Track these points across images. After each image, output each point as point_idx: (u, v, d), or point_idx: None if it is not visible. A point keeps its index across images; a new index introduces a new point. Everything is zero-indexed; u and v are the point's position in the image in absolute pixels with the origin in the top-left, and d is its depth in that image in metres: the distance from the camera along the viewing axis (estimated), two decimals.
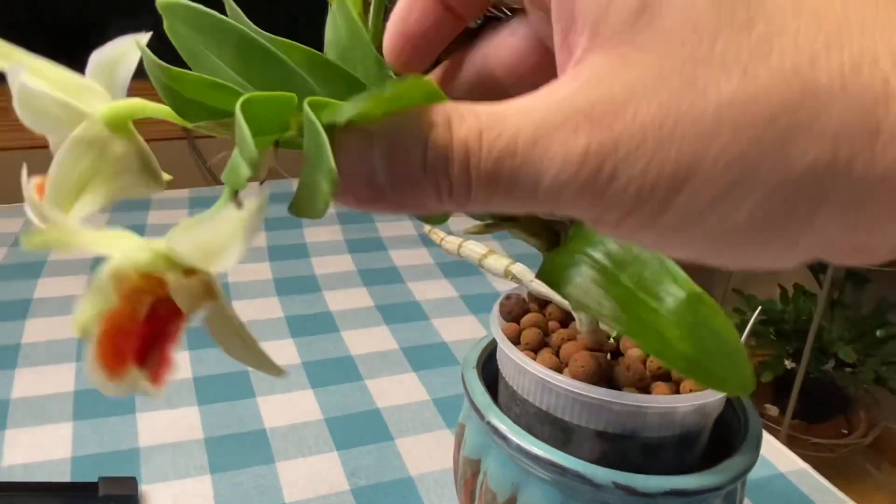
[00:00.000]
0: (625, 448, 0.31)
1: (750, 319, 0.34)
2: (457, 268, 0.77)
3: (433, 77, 0.24)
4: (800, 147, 0.14)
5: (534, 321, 0.35)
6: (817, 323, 1.43)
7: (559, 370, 0.32)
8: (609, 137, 0.15)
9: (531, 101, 0.16)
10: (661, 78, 0.14)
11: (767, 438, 0.52)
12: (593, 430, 0.31)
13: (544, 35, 0.21)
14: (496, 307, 0.36)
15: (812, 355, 1.47)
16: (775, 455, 0.53)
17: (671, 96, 0.14)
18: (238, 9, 0.21)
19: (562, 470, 0.30)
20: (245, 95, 0.16)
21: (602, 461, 0.30)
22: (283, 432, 0.52)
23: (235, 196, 0.18)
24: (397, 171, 0.16)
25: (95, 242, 0.18)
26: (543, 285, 0.36)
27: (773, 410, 1.63)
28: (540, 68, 0.22)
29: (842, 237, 0.15)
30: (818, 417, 1.62)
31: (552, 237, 0.27)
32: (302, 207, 0.17)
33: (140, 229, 0.78)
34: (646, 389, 0.31)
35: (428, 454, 0.50)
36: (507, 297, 0.37)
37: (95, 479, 0.44)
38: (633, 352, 0.33)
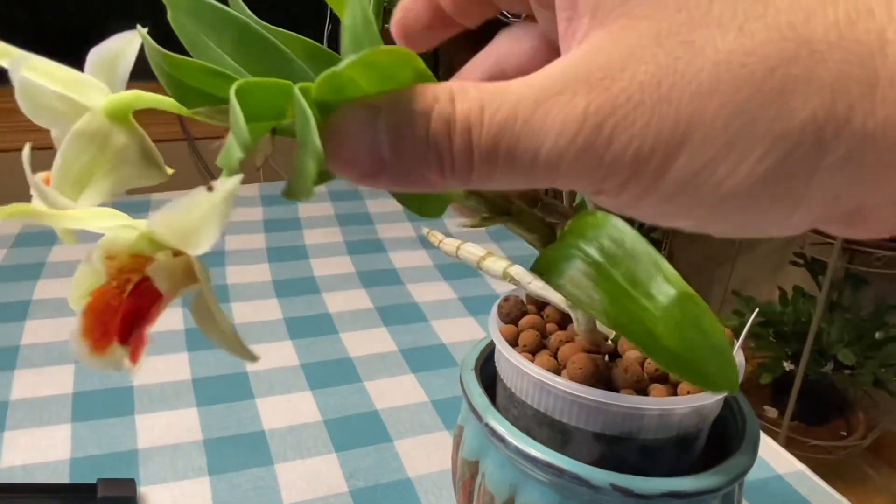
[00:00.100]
0: (622, 450, 0.31)
1: (748, 321, 0.34)
2: (456, 269, 0.77)
3: None
4: (798, 98, 0.14)
5: (532, 323, 0.35)
6: (816, 325, 1.44)
7: (557, 372, 0.32)
8: (607, 99, 0.15)
9: (533, 75, 0.16)
10: (657, 40, 0.15)
11: (765, 440, 0.52)
12: (591, 431, 0.31)
13: (554, 36, 0.21)
14: (494, 309, 0.36)
15: (811, 357, 1.47)
16: (773, 457, 0.53)
17: (668, 56, 0.14)
18: (240, 1, 0.21)
19: (559, 472, 0.30)
20: (240, 81, 0.17)
21: (600, 463, 0.30)
22: (282, 434, 0.52)
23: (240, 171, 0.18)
24: (400, 142, 0.16)
25: (84, 218, 0.19)
26: (542, 287, 0.36)
27: (771, 412, 1.63)
28: None
29: (846, 194, 0.15)
30: (817, 419, 1.62)
31: (548, 232, 0.27)
32: (292, 189, 0.17)
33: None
34: (643, 391, 0.31)
35: (426, 456, 0.50)
36: (506, 299, 0.37)
37: (94, 481, 0.44)
38: (630, 354, 0.33)
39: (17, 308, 0.65)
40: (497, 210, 0.27)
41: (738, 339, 0.34)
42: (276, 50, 0.20)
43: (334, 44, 0.23)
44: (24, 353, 0.59)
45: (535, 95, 0.15)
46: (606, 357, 0.33)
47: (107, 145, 0.21)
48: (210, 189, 0.17)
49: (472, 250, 0.40)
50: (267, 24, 0.21)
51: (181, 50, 0.20)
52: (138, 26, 0.21)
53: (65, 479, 0.46)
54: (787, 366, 1.55)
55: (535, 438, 0.31)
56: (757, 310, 0.44)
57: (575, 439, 0.31)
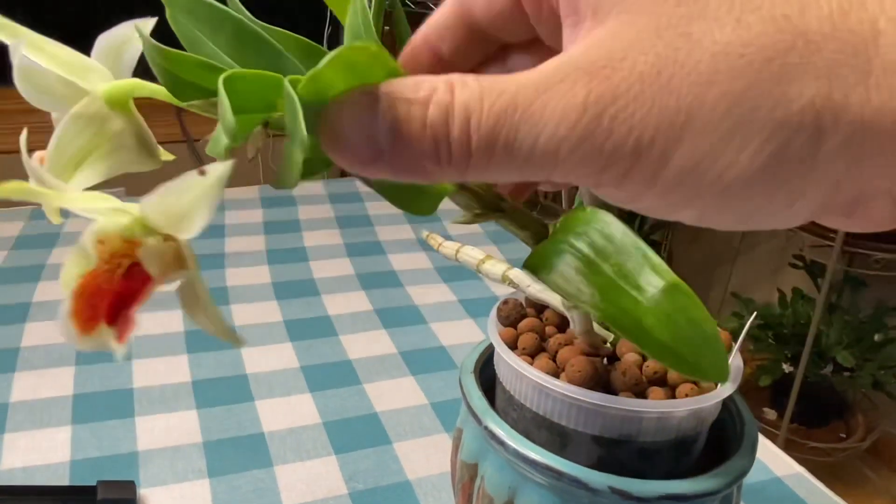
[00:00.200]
0: (621, 452, 0.31)
1: (745, 322, 0.34)
2: (455, 272, 0.77)
3: None
4: (796, 87, 0.14)
5: (531, 326, 0.35)
6: (815, 327, 1.44)
7: (556, 375, 0.32)
8: (608, 88, 0.15)
9: (534, 68, 0.16)
10: (657, 32, 0.15)
11: (764, 442, 0.52)
12: (590, 434, 0.31)
13: (559, 49, 0.22)
14: (493, 312, 0.36)
15: (810, 359, 1.47)
16: (772, 459, 0.53)
17: (667, 48, 0.15)
18: (237, 1, 0.22)
19: (558, 474, 0.30)
20: (228, 71, 0.17)
21: (598, 466, 0.30)
22: (282, 436, 0.52)
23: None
24: (398, 130, 0.17)
25: (77, 200, 0.19)
26: (541, 290, 0.36)
27: (771, 414, 1.63)
28: None
29: (846, 180, 0.15)
30: (816, 422, 1.62)
31: (541, 229, 0.27)
32: (280, 178, 0.18)
33: None
34: (642, 394, 0.32)
35: (426, 458, 0.51)
36: (505, 302, 0.37)
37: (94, 483, 0.44)
38: (629, 356, 0.33)
39: (17, 310, 0.65)
40: (489, 207, 0.27)
41: (736, 341, 0.35)
42: (271, 47, 0.20)
43: (334, 45, 0.23)
44: (25, 355, 0.59)
45: (535, 85, 0.16)
46: (605, 360, 0.33)
47: (104, 129, 0.21)
48: (202, 173, 0.17)
49: (471, 253, 0.40)
50: (263, 23, 0.21)
51: (180, 48, 0.20)
52: (138, 22, 0.21)
53: (65, 481, 0.46)
54: (787, 368, 1.55)
55: (534, 441, 0.31)
56: (756, 312, 0.44)
57: (574, 442, 0.31)
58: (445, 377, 0.60)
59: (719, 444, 0.34)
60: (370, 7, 0.27)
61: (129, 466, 0.48)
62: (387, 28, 0.25)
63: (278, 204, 0.91)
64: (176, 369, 0.58)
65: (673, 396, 0.31)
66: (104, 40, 0.22)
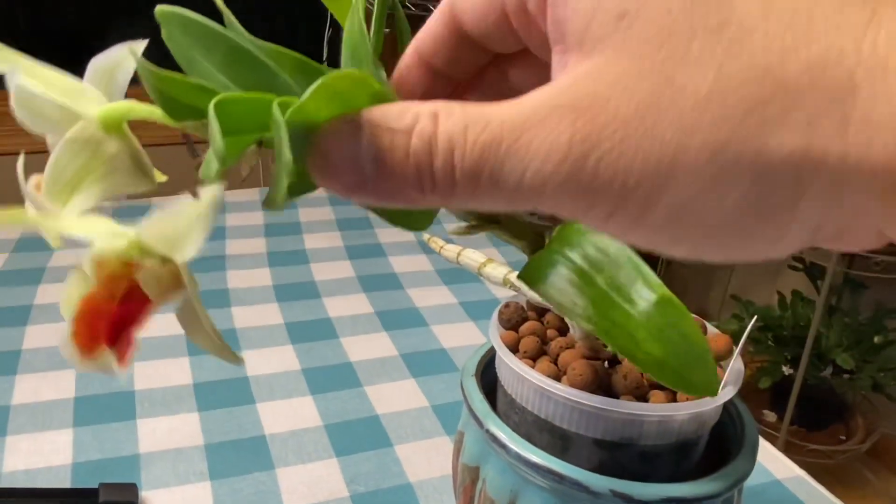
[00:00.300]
0: (622, 456, 0.31)
1: (747, 326, 0.34)
2: (456, 274, 0.77)
3: None
4: (776, 138, 0.14)
5: (532, 329, 0.35)
6: (815, 329, 1.44)
7: (557, 378, 0.32)
8: (593, 130, 0.15)
9: (519, 99, 0.16)
10: (640, 76, 0.15)
11: (764, 445, 0.52)
12: (591, 438, 0.31)
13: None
14: (495, 315, 0.37)
15: (810, 362, 1.47)
16: (772, 462, 0.53)
17: (651, 93, 0.15)
18: (233, 17, 0.22)
19: (560, 478, 0.30)
20: (219, 96, 0.17)
21: (600, 469, 0.30)
22: (283, 438, 0.52)
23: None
24: (381, 160, 0.17)
25: (74, 227, 0.19)
26: None
27: (770, 416, 1.63)
28: None
29: (828, 222, 0.15)
30: (816, 424, 1.62)
31: (537, 239, 0.28)
32: (268, 199, 0.18)
33: None
34: (643, 397, 0.32)
35: (427, 461, 0.51)
36: (506, 306, 0.37)
37: (96, 486, 0.44)
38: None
39: (18, 312, 0.65)
40: (485, 217, 0.27)
41: (737, 345, 0.35)
42: (264, 66, 0.21)
43: (334, 48, 0.23)
44: (26, 358, 0.59)
45: (521, 119, 0.16)
46: (606, 363, 0.34)
47: (98, 153, 0.21)
48: (195, 197, 0.17)
49: (472, 256, 0.40)
50: (257, 40, 0.21)
51: (178, 60, 0.21)
52: (132, 44, 0.21)
53: (67, 483, 0.46)
54: (786, 370, 1.55)
55: (535, 444, 0.32)
56: (755, 315, 0.44)
57: (575, 445, 0.31)
58: (446, 379, 0.60)
59: (720, 447, 0.34)
60: (373, 7, 0.27)
61: (130, 469, 0.48)
62: (387, 30, 0.25)
63: None
64: (177, 372, 0.58)
65: (674, 400, 0.32)
66: (97, 63, 0.23)
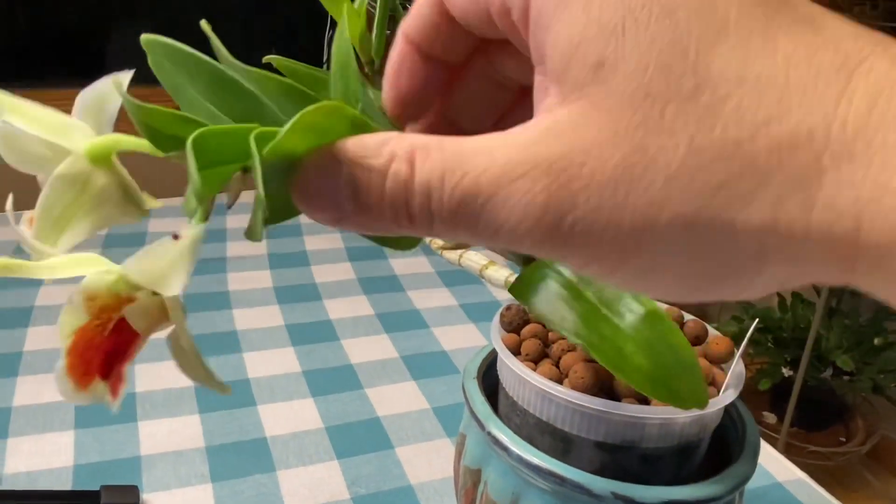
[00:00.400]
0: (624, 458, 0.31)
1: (746, 327, 0.34)
2: (456, 276, 0.77)
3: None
4: (744, 214, 0.15)
5: (534, 332, 0.36)
6: (815, 331, 1.44)
7: (559, 381, 0.32)
8: (567, 195, 0.16)
9: (497, 141, 0.17)
10: (615, 142, 0.16)
11: (765, 447, 0.52)
12: (593, 440, 0.31)
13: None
14: (497, 318, 0.37)
15: (810, 363, 1.47)
16: (773, 464, 0.53)
17: (624, 161, 0.15)
18: (220, 44, 0.22)
19: (561, 480, 0.30)
20: (198, 131, 0.18)
21: (601, 472, 0.30)
22: (284, 441, 0.52)
23: (206, 218, 0.19)
24: (358, 198, 0.17)
25: (62, 269, 0.20)
26: None
27: (770, 418, 1.63)
28: None
29: (793, 279, 0.16)
30: (816, 425, 1.62)
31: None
32: (248, 230, 0.19)
33: (141, 238, 0.79)
34: (645, 400, 0.32)
35: (428, 463, 0.51)
36: (508, 308, 0.37)
37: (97, 488, 0.45)
38: None
39: (19, 314, 0.65)
40: None
41: (738, 347, 0.35)
42: (247, 92, 0.21)
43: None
44: (27, 360, 0.59)
45: (499, 173, 0.16)
46: None
47: (87, 186, 0.22)
48: (176, 238, 0.18)
49: (474, 259, 0.40)
50: (243, 66, 0.22)
51: (165, 86, 0.21)
52: (115, 77, 0.22)
53: (68, 485, 0.47)
54: (786, 372, 1.56)
55: (537, 447, 0.32)
56: (756, 318, 0.44)
57: (577, 448, 0.32)
58: (447, 382, 0.60)
59: (721, 450, 0.35)
60: (374, 10, 0.28)
61: (132, 471, 0.48)
62: (389, 32, 0.25)
63: None
64: (178, 374, 0.58)
65: None
66: (84, 97, 0.23)
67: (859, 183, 0.14)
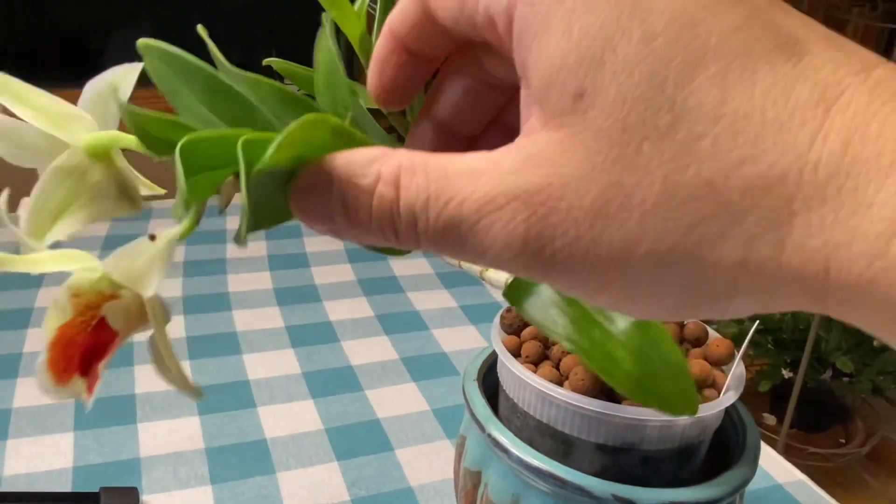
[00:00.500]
0: (624, 461, 0.31)
1: (746, 328, 0.34)
2: (456, 278, 0.77)
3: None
4: (716, 253, 0.15)
5: (534, 334, 0.35)
6: (815, 332, 1.44)
7: (559, 383, 0.32)
8: (546, 227, 0.16)
9: (481, 165, 0.17)
10: (591, 177, 0.16)
11: (765, 449, 0.52)
12: (593, 442, 0.31)
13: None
14: (497, 320, 0.37)
15: (809, 365, 1.47)
16: (773, 466, 0.53)
17: (601, 197, 0.16)
18: (216, 48, 0.23)
19: (562, 482, 0.30)
20: (186, 137, 0.18)
21: (602, 474, 0.30)
22: (284, 442, 0.52)
23: (197, 223, 0.20)
24: (347, 214, 0.18)
25: (48, 263, 0.20)
26: None
27: (770, 419, 1.63)
28: None
29: (767, 308, 0.17)
30: (816, 427, 1.62)
31: None
32: (237, 235, 0.19)
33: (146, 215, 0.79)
34: None
35: (428, 465, 0.51)
36: (508, 310, 0.37)
37: (97, 490, 0.45)
38: None
39: (19, 316, 0.65)
40: None
41: (737, 348, 0.35)
42: (242, 98, 0.22)
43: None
44: (27, 361, 0.59)
45: (479, 202, 0.17)
46: None
47: (84, 180, 0.22)
48: (152, 238, 0.19)
49: None
50: (237, 70, 0.22)
51: (161, 89, 0.21)
52: (122, 69, 0.22)
53: (68, 487, 0.46)
54: (786, 373, 1.56)
55: (537, 449, 0.32)
56: (757, 320, 0.44)
57: (577, 450, 0.32)
58: (447, 383, 0.60)
59: (722, 452, 0.35)
60: (375, 12, 0.28)
61: (131, 473, 0.48)
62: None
63: None
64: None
65: None
66: (92, 87, 0.23)
67: (829, 227, 0.14)
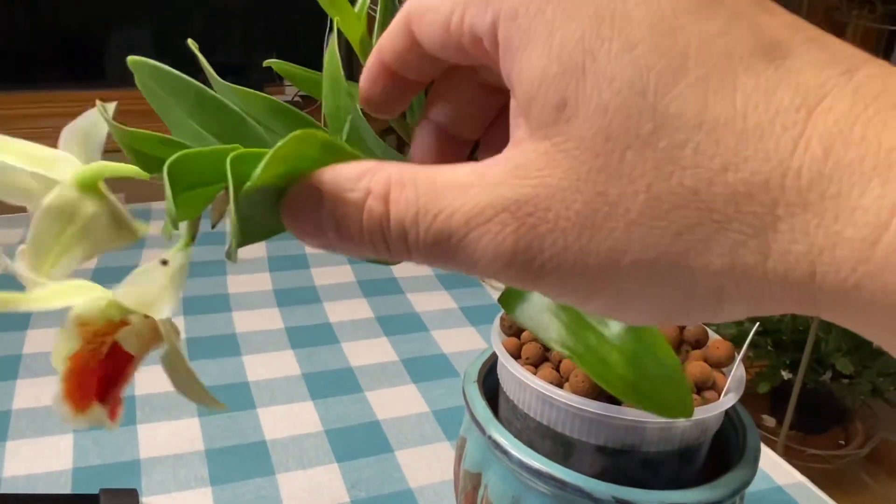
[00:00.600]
0: (624, 463, 0.31)
1: (746, 330, 0.34)
2: (456, 279, 0.77)
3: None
4: (702, 260, 0.15)
5: (534, 336, 0.35)
6: (814, 334, 1.44)
7: (560, 385, 0.32)
8: (534, 238, 0.16)
9: (469, 177, 0.17)
10: (577, 187, 0.16)
11: (765, 451, 0.52)
12: (593, 444, 0.31)
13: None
14: (497, 321, 0.37)
15: (809, 366, 1.47)
16: (773, 468, 0.53)
17: (587, 207, 0.16)
18: (207, 64, 0.23)
19: (562, 484, 0.30)
20: (175, 155, 0.18)
21: (602, 476, 0.30)
22: (284, 444, 0.52)
23: (192, 240, 0.20)
24: (338, 228, 0.18)
25: (52, 299, 0.20)
26: None
27: (769, 421, 1.63)
28: None
29: (757, 311, 0.17)
30: (815, 428, 1.62)
31: None
32: (228, 251, 0.19)
33: (140, 243, 0.79)
34: None
35: (428, 466, 0.51)
36: None
37: (96, 491, 0.44)
38: None
39: (19, 317, 0.65)
40: None
41: (738, 350, 0.35)
42: (232, 113, 0.22)
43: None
44: (27, 363, 0.59)
45: (468, 214, 0.17)
46: None
47: (76, 215, 0.22)
48: (164, 263, 0.19)
49: None
50: (229, 85, 0.22)
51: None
52: (98, 103, 0.22)
53: (67, 489, 0.46)
54: (785, 375, 1.56)
55: (537, 451, 0.32)
56: (757, 322, 0.44)
57: (577, 452, 0.32)
58: (447, 385, 0.60)
59: (722, 454, 0.35)
60: (375, 14, 0.28)
61: (131, 474, 0.48)
62: None
63: None
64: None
65: None
66: (70, 130, 0.23)
67: (813, 232, 0.14)
